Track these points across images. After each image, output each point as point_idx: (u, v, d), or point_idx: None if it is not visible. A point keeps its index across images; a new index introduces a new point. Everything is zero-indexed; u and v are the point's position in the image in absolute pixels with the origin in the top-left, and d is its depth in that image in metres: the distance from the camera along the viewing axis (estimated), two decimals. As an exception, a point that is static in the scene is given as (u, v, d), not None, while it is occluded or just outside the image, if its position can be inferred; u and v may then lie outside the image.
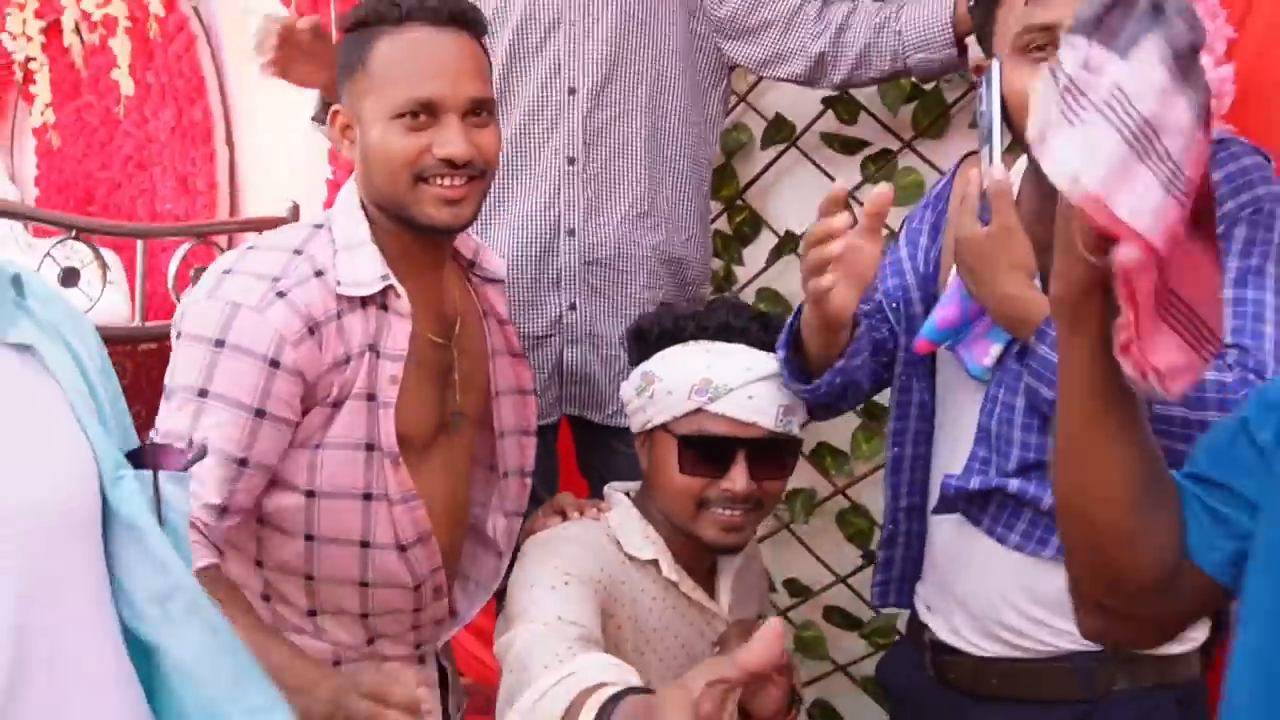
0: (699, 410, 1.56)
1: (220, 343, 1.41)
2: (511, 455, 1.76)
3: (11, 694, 0.87)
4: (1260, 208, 1.36)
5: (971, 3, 1.62)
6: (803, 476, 2.33)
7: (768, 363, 1.58)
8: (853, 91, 2.25)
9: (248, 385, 1.41)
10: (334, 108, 1.57)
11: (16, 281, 0.98)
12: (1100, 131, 0.79)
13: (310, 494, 1.49)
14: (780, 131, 2.35)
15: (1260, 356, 1.27)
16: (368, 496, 1.50)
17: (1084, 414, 0.95)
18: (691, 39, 2.06)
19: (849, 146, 2.32)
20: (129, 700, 0.98)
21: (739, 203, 2.42)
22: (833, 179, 2.28)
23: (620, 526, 1.63)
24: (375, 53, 1.50)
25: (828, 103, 2.29)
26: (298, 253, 1.49)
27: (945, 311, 1.50)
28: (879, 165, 2.29)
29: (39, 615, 0.90)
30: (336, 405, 1.48)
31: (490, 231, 1.99)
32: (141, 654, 1.00)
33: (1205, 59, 1.54)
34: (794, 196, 2.39)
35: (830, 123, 2.32)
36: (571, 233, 1.99)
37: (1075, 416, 0.96)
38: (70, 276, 2.26)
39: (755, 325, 1.62)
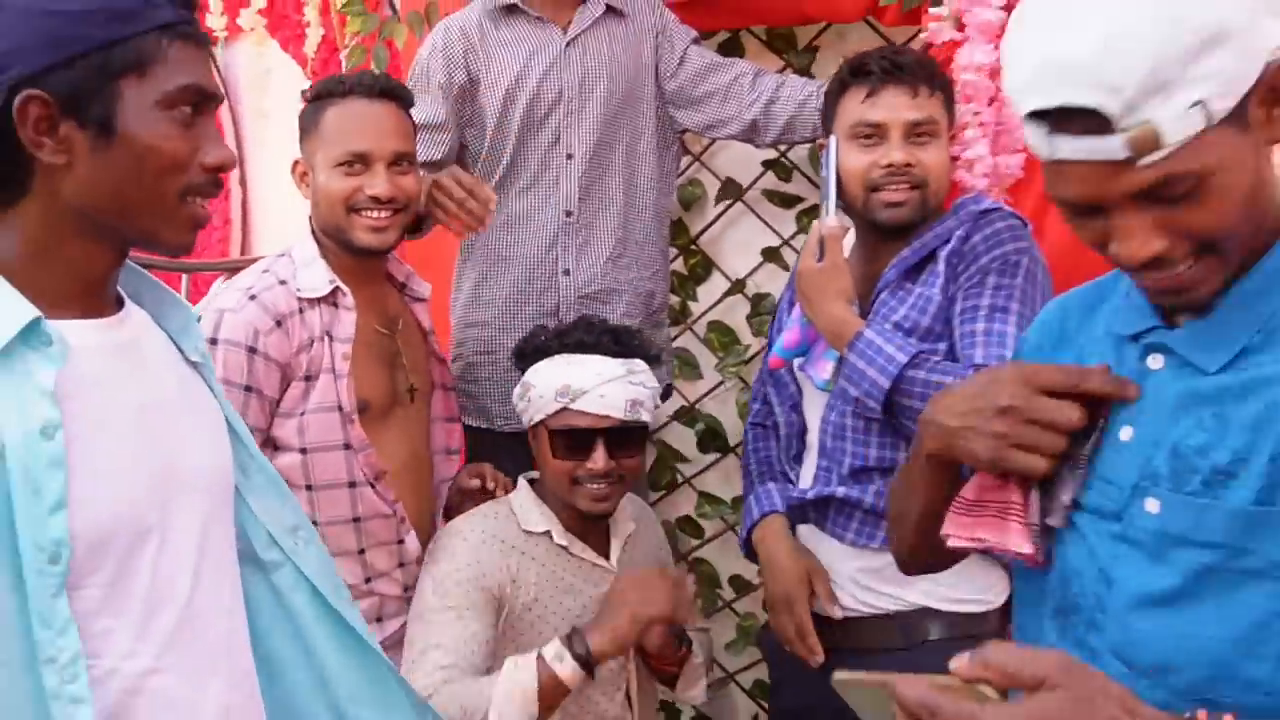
0: (564, 409, 1.95)
1: (214, 340, 1.83)
2: (440, 437, 2.19)
3: (190, 602, 1.19)
4: (1007, 260, 1.78)
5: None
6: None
7: (617, 367, 1.96)
8: (789, 155, 2.64)
9: (237, 368, 1.83)
10: (295, 159, 2.03)
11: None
12: None
13: (304, 450, 1.91)
14: (729, 190, 2.73)
15: None
16: (347, 446, 1.92)
17: (932, 511, 1.23)
18: (655, 109, 2.44)
19: (786, 201, 2.70)
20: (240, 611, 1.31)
21: (693, 247, 2.80)
22: (774, 229, 2.70)
23: (520, 506, 2.02)
24: (325, 118, 1.97)
25: (768, 165, 2.68)
26: (265, 271, 1.96)
27: (789, 334, 1.93)
28: (812, 217, 2.67)
29: (210, 544, 1.23)
30: (309, 379, 1.90)
31: (500, 268, 2.38)
32: (261, 579, 1.33)
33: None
34: (740, 243, 2.77)
35: (770, 180, 2.70)
36: (567, 272, 2.38)
37: (925, 512, 1.25)
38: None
39: (606, 339, 1.99)
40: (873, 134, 1.86)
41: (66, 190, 1.12)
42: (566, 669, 1.82)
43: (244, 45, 3.87)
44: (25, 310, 1.07)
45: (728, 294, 2.77)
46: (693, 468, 2.83)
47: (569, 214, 2.37)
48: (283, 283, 1.92)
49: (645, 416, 2.00)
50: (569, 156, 2.37)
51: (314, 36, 3.51)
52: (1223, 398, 1.00)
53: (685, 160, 2.75)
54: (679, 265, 2.82)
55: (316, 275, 1.94)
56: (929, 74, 1.87)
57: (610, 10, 2.38)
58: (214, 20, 3.86)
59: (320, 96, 1.99)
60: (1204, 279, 1.00)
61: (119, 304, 1.22)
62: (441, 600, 1.89)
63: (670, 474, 2.85)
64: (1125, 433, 1.07)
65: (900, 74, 1.84)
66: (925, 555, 1.34)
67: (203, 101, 1.16)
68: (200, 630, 1.19)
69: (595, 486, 1.95)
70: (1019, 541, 1.11)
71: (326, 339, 1.92)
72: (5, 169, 1.11)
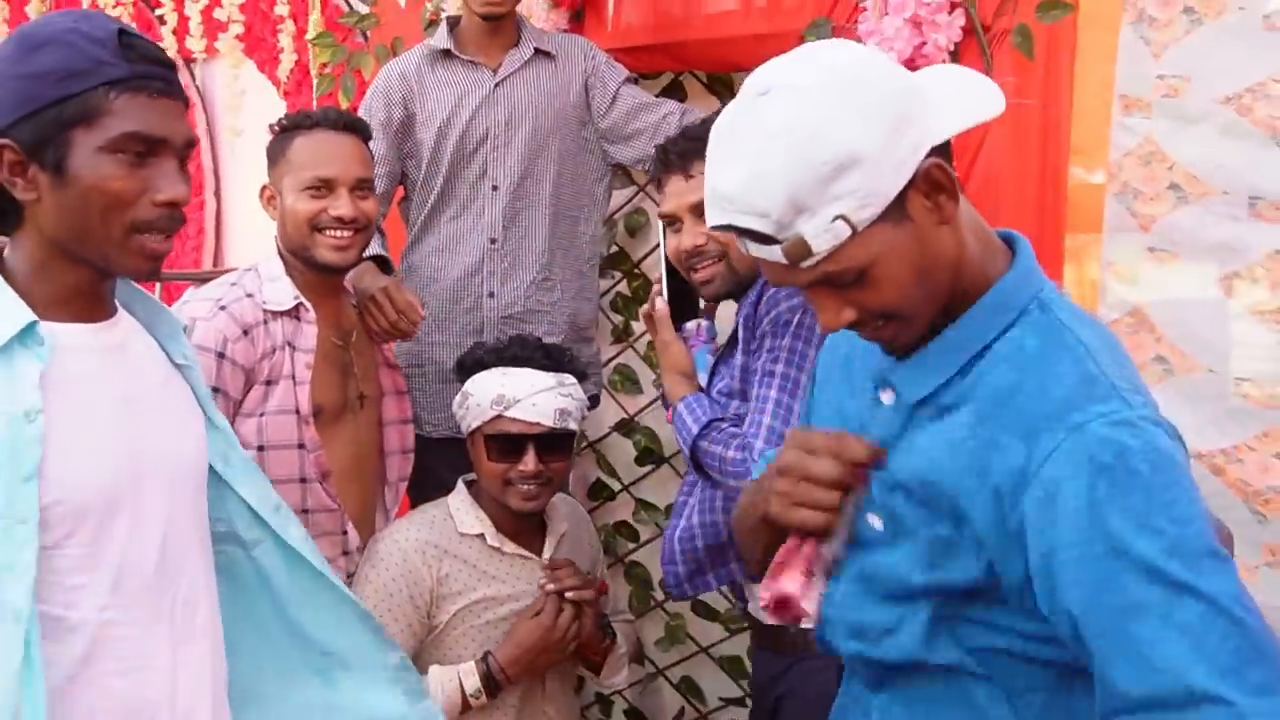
0: (499, 416, 2.14)
1: None
2: (395, 439, 2.38)
3: (157, 568, 1.39)
4: (778, 319, 1.91)
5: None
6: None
7: (547, 379, 2.16)
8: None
9: (206, 371, 1.98)
10: (264, 184, 2.21)
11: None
12: None
13: (261, 448, 2.09)
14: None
15: (752, 441, 1.84)
16: (300, 446, 2.11)
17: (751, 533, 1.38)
18: (582, 144, 2.65)
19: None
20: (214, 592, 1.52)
21: (635, 271, 3.01)
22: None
23: (456, 509, 2.22)
24: (293, 147, 2.16)
25: (706, 196, 2.88)
26: (234, 284, 2.14)
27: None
28: (745, 247, 2.87)
29: (178, 521, 1.43)
30: (269, 384, 2.09)
31: (431, 289, 2.57)
32: (244, 555, 1.56)
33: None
34: (679, 268, 2.97)
35: (708, 212, 2.91)
36: (491, 294, 2.59)
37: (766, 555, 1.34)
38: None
39: (539, 354, 2.19)
40: (671, 221, 2.03)
41: (42, 221, 1.34)
42: (472, 687, 2.09)
43: (221, 66, 4.02)
44: (24, 314, 1.31)
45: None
46: (631, 475, 3.04)
47: (493, 241, 2.58)
48: (249, 295, 2.10)
49: (573, 425, 2.19)
50: (494, 188, 2.57)
51: (287, 61, 3.68)
52: (919, 435, 1.19)
53: (630, 190, 2.96)
54: (623, 287, 3.03)
55: (281, 291, 2.13)
56: (701, 153, 2.02)
57: (539, 53, 2.59)
58: (194, 42, 4.03)
59: (288, 129, 2.18)
60: (895, 335, 1.19)
61: (113, 311, 1.44)
62: (373, 606, 2.07)
63: (608, 484, 3.05)
64: None
65: (671, 165, 2.00)
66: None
67: (154, 145, 1.32)
68: (163, 594, 1.40)
69: (526, 487, 2.14)
70: (809, 598, 1.21)
71: (288, 348, 2.10)
72: (3, 203, 1.35)
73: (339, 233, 2.12)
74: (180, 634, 1.42)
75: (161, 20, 4.16)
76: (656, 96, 2.76)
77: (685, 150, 1.98)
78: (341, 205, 2.11)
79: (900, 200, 1.10)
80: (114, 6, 4.34)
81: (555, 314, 2.63)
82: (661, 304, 2.09)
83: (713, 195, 1.12)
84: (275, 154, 2.19)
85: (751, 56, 2.64)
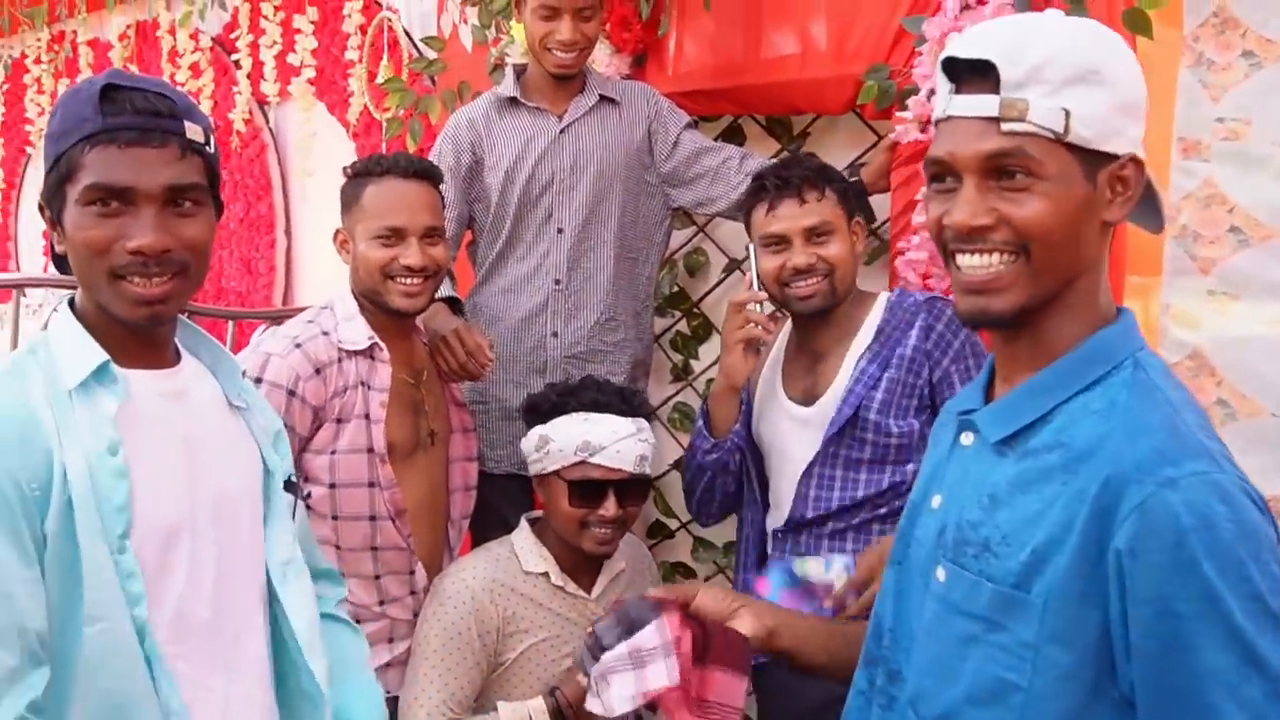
0: (583, 462, 2.17)
1: (259, 380, 2.07)
2: (459, 476, 2.42)
3: (212, 603, 1.45)
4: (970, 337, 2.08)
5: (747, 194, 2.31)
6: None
7: (629, 426, 2.19)
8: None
9: (276, 407, 2.03)
10: (338, 229, 2.27)
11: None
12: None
13: (332, 485, 2.14)
14: (733, 265, 2.97)
15: None
16: (371, 484, 2.15)
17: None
18: (645, 187, 2.70)
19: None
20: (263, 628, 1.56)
21: (695, 310, 3.04)
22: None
23: (520, 547, 2.24)
24: (365, 194, 2.21)
25: (765, 237, 2.92)
26: (310, 322, 2.19)
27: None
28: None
29: (233, 557, 1.48)
30: (340, 422, 2.14)
31: (496, 328, 2.63)
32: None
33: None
34: (738, 308, 3.00)
35: (766, 252, 2.94)
36: (555, 334, 2.63)
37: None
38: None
39: (617, 399, 2.22)
40: (778, 242, 2.16)
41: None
42: None
43: (293, 108, 4.15)
44: (97, 355, 1.38)
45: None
46: (689, 514, 3.05)
47: (558, 282, 2.63)
48: (325, 334, 2.16)
49: (648, 470, 2.23)
50: (559, 231, 2.62)
51: (357, 105, 3.79)
52: (999, 481, 1.16)
53: (690, 231, 3.01)
54: (683, 326, 3.07)
55: (357, 330, 2.18)
56: (816, 181, 2.14)
57: (604, 100, 2.65)
58: (268, 86, 4.16)
59: (360, 174, 2.23)
60: (1009, 284, 1.16)
61: (177, 358, 1.51)
62: (442, 644, 2.11)
63: (666, 521, 3.08)
64: (935, 500, 1.25)
65: (788, 188, 2.15)
66: None
67: (121, 194, 1.34)
68: (218, 629, 1.45)
69: (602, 531, 2.17)
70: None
71: (361, 387, 2.15)
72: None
73: (409, 280, 2.17)
74: (233, 669, 1.46)
75: (237, 65, 4.30)
76: (716, 139, 2.80)
77: (803, 176, 2.14)
78: (411, 254, 2.16)
79: (1097, 164, 1.13)
80: (192, 52, 4.50)
81: (618, 354, 2.67)
82: (758, 291, 2.18)
83: (968, 34, 1.17)
84: (348, 200, 2.25)
85: (810, 100, 2.76)
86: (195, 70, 4.51)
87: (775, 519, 2.23)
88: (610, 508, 2.15)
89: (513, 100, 2.65)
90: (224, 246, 4.56)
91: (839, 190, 2.18)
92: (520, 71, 2.70)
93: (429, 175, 2.24)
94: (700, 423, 2.29)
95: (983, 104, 1.13)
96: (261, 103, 4.23)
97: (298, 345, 2.12)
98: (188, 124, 1.39)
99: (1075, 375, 1.16)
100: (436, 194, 2.26)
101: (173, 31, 4.60)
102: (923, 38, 2.30)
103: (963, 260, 1.18)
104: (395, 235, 2.17)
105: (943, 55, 1.18)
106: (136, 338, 1.43)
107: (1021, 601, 1.11)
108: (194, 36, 4.53)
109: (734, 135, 2.90)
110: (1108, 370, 1.16)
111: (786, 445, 2.21)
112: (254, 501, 1.55)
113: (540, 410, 2.27)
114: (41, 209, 1.42)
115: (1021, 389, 1.19)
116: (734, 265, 2.96)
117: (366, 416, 2.15)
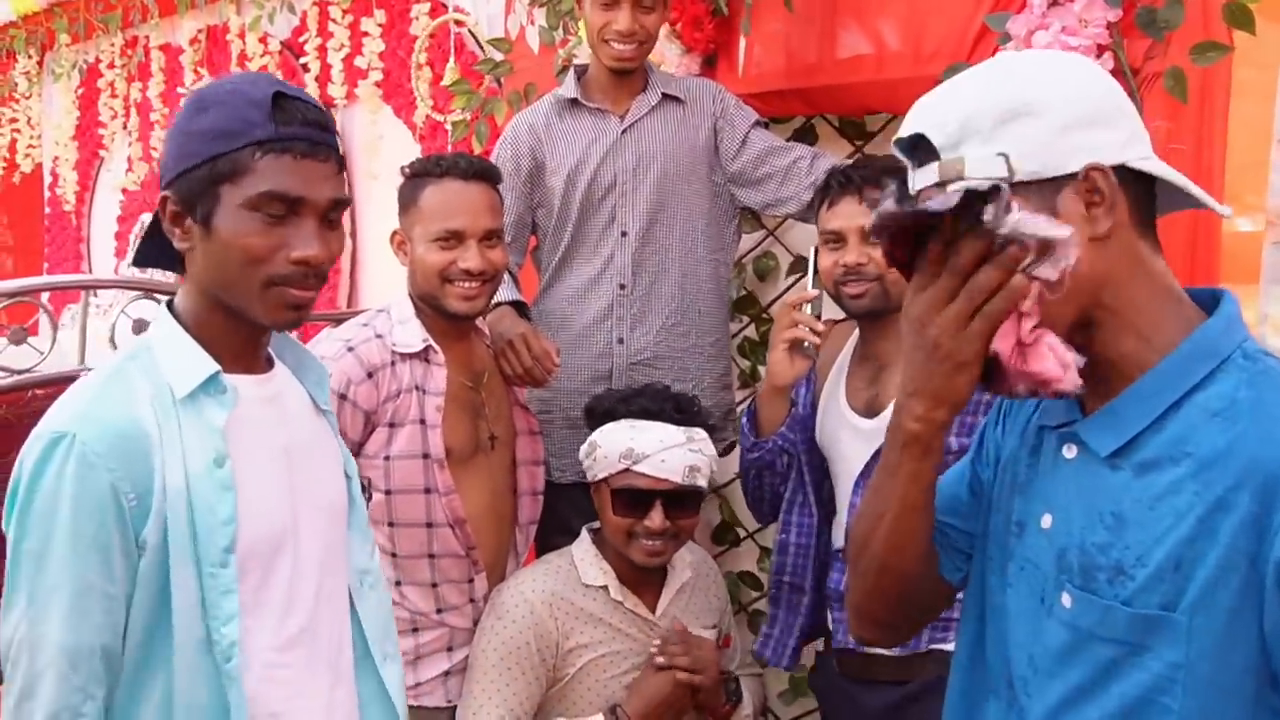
0: (627, 470, 2.12)
1: None
2: (525, 480, 2.37)
3: (313, 610, 1.45)
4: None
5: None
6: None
7: (678, 434, 2.13)
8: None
9: None
10: (395, 230, 2.24)
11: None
12: None
13: (388, 492, 2.11)
14: (800, 264, 2.91)
15: None
16: (427, 490, 2.12)
17: (910, 504, 1.21)
18: (712, 188, 2.62)
19: (852, 276, 2.87)
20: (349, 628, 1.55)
21: (765, 315, 2.98)
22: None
23: (580, 559, 2.20)
24: (423, 195, 2.17)
25: (837, 241, 2.85)
26: (365, 325, 2.16)
27: None
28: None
29: (329, 564, 1.49)
30: (394, 426, 2.10)
31: (561, 335, 2.57)
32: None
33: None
34: (808, 314, 2.94)
35: (838, 257, 2.87)
36: (621, 340, 2.58)
37: (903, 505, 1.21)
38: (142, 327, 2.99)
39: (669, 406, 2.17)
40: (836, 239, 2.13)
41: (196, 270, 1.40)
42: None
43: (360, 111, 4.15)
44: (208, 364, 1.37)
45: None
46: (756, 522, 2.99)
47: (623, 287, 2.57)
48: (379, 337, 2.13)
49: (702, 482, 2.16)
50: (623, 234, 2.56)
51: (423, 107, 3.78)
52: (1122, 498, 1.10)
53: (759, 234, 2.95)
54: (750, 331, 3.01)
55: (411, 333, 2.15)
56: (879, 181, 2.08)
57: (667, 98, 2.58)
58: (335, 89, 4.17)
59: (418, 175, 2.19)
60: None
61: (270, 363, 1.50)
62: (501, 659, 2.08)
63: (733, 529, 3.02)
64: (1045, 520, 1.18)
65: (850, 185, 2.12)
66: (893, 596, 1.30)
67: (293, 204, 1.35)
68: (319, 634, 1.45)
69: (650, 543, 2.12)
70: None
71: (416, 391, 2.12)
72: (169, 250, 1.42)
73: (468, 284, 2.13)
74: (334, 674, 1.47)
75: (305, 68, 4.32)
76: (788, 140, 2.74)
77: (867, 176, 2.11)
78: (470, 258, 2.12)
79: (1056, 189, 1.10)
80: (262, 55, 4.53)
81: (687, 360, 2.61)
82: (805, 304, 2.17)
83: (910, 113, 1.18)
84: (406, 200, 2.21)
85: (885, 101, 2.68)
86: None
87: (840, 532, 2.16)
88: (656, 519, 2.10)
89: (573, 102, 2.60)
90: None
91: None
92: (581, 72, 2.65)
93: (488, 176, 2.20)
94: (744, 420, 2.28)
95: (928, 174, 1.13)
96: (329, 106, 4.23)
97: (350, 348, 2.10)
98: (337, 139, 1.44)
99: (1180, 376, 1.10)
100: (496, 195, 2.22)
101: (242, 35, 4.64)
102: (1007, 35, 2.22)
103: None
104: (454, 238, 2.13)
105: (894, 140, 1.19)
106: (245, 343, 1.43)
107: (1166, 621, 1.05)
108: (263, 40, 4.56)
109: (806, 136, 2.83)
110: (1215, 366, 1.10)
111: (846, 455, 2.15)
112: (343, 508, 1.55)
113: (595, 414, 2.23)
114: (165, 203, 1.39)
115: (1125, 396, 1.12)
116: (804, 268, 2.89)
117: (422, 421, 2.11)
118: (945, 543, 1.32)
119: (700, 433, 2.18)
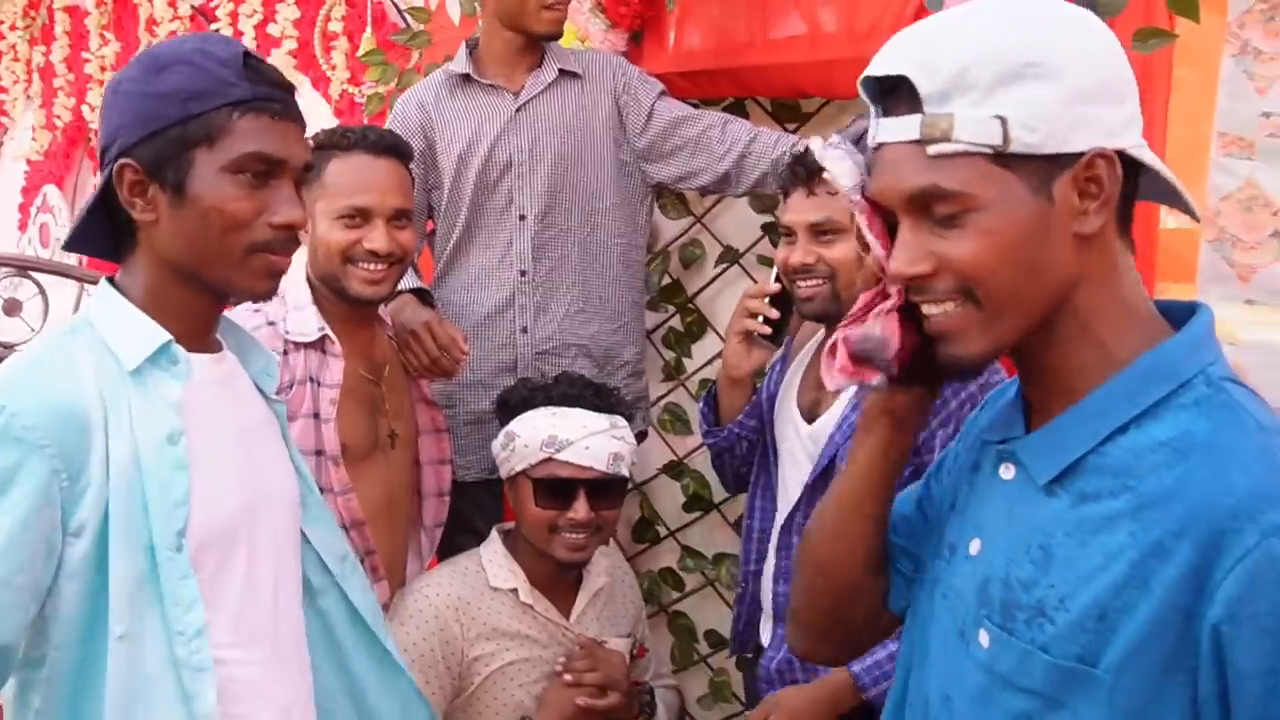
0: (549, 459, 2.01)
1: None
2: (431, 480, 2.23)
3: (273, 604, 1.38)
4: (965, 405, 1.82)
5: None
6: (728, 543, 2.76)
7: (601, 421, 2.03)
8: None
9: None
10: None
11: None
12: None
13: None
14: (728, 254, 2.80)
15: None
16: (322, 490, 1.94)
17: (855, 498, 1.16)
18: (619, 166, 2.50)
19: (781, 266, 2.77)
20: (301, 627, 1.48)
21: (690, 306, 2.87)
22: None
23: (489, 561, 2.08)
24: (328, 169, 2.01)
25: (766, 229, 2.75)
26: (256, 310, 1.99)
27: None
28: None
29: (284, 556, 1.42)
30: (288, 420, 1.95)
31: (462, 324, 2.41)
32: (309, 601, 1.50)
33: None
34: (735, 303, 2.82)
35: (766, 246, 2.76)
36: (524, 329, 2.45)
37: (848, 500, 1.17)
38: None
39: (590, 393, 2.07)
40: (788, 233, 2.00)
41: (159, 243, 1.31)
42: None
43: (275, 82, 3.97)
44: (159, 334, 1.29)
45: (721, 353, 2.83)
46: (677, 520, 2.89)
47: (523, 273, 2.44)
48: (271, 324, 1.96)
49: (625, 470, 2.06)
50: (521, 218, 2.43)
51: (339, 80, 3.61)
52: (1054, 530, 0.98)
53: (686, 221, 2.83)
54: (676, 322, 2.89)
55: (306, 321, 1.98)
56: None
57: (564, 74, 2.45)
58: (246, 57, 3.98)
59: (323, 147, 2.02)
60: (961, 330, 1.00)
61: (221, 344, 1.42)
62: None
63: (653, 526, 2.91)
64: (974, 545, 1.07)
65: (799, 177, 1.96)
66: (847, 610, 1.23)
67: (274, 166, 1.31)
68: (278, 630, 1.39)
69: (574, 536, 2.01)
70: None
71: (310, 383, 1.96)
72: (116, 224, 1.34)
73: (372, 266, 1.98)
74: (294, 673, 1.42)
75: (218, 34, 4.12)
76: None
77: (814, 168, 1.93)
78: (377, 238, 1.97)
79: (1051, 171, 0.96)
80: (171, 20, 4.32)
81: (593, 348, 2.49)
82: (765, 296, 2.06)
83: (886, 45, 1.01)
84: (309, 174, 2.06)
85: (818, 83, 2.57)
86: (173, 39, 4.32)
87: (781, 516, 2.05)
88: (580, 509, 2.00)
89: (465, 77, 2.45)
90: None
91: None
92: (473, 46, 2.51)
93: (399, 152, 2.05)
94: (703, 405, 2.21)
95: (904, 127, 0.97)
96: (241, 75, 4.05)
97: None
98: None
99: (1132, 396, 0.98)
100: (407, 173, 2.07)
101: (151, -1, 4.42)
102: (944, 17, 2.12)
103: (924, 308, 1.02)
104: (360, 216, 1.98)
105: (861, 76, 1.01)
106: (198, 320, 1.37)
107: (1087, 677, 0.93)
108: (172, 4, 4.34)
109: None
110: (1172, 390, 0.97)
111: (792, 451, 2.05)
112: (295, 500, 1.48)
113: (510, 405, 2.12)
114: (124, 172, 1.30)
115: (1067, 416, 1.01)
116: (732, 258, 2.78)
117: (315, 415, 1.96)
118: (893, 567, 1.23)
119: (621, 420, 2.10)
